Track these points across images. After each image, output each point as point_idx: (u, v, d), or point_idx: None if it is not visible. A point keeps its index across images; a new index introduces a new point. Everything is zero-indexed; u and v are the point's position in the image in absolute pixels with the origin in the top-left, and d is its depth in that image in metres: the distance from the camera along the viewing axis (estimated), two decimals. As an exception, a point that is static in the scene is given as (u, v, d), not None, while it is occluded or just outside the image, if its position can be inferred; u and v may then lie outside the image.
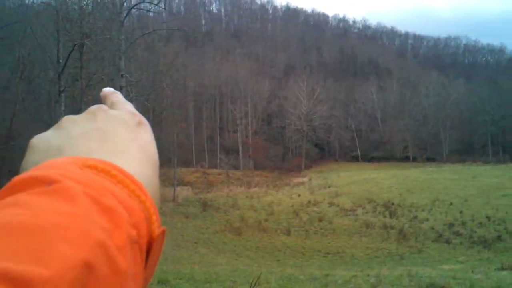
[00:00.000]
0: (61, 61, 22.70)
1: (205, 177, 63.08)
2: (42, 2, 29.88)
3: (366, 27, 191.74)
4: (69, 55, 22.59)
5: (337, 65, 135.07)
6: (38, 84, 36.79)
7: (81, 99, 24.65)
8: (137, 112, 0.59)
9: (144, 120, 0.58)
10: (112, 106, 0.59)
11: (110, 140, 0.55)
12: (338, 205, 38.23)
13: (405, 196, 40.09)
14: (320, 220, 34.18)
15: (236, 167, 71.74)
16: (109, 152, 0.53)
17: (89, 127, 0.53)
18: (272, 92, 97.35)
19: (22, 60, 31.82)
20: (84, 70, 25.08)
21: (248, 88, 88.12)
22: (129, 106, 0.59)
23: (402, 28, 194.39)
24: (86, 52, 25.25)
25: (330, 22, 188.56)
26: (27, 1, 36.30)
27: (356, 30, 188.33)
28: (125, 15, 26.25)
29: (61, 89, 22.53)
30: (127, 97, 25.92)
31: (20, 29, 29.66)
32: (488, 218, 31.44)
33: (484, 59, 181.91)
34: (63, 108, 22.68)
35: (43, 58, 29.69)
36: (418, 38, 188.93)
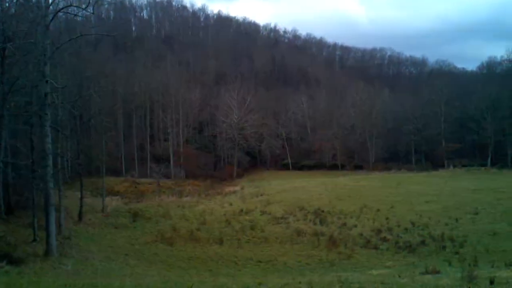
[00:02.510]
0: (-20, 65, 21.51)
1: (135, 187, 61.70)
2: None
3: (296, 37, 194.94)
4: (-10, 59, 21.45)
5: (268, 74, 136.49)
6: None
7: (3, 105, 23.45)
8: None
9: None
10: None
11: None
12: (270, 213, 38.47)
13: (334, 204, 41.02)
14: (252, 228, 34.24)
15: (167, 176, 70.51)
16: None
17: None
18: (203, 100, 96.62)
19: None
20: (6, 75, 23.89)
21: (179, 95, 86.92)
22: None
23: (330, 39, 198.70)
24: (8, 56, 24.07)
25: (261, 32, 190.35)
26: None
27: (286, 40, 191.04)
28: (51, 18, 25.18)
29: (-19, 94, 21.32)
30: (53, 103, 24.85)
31: None
32: (413, 223, 32.82)
33: (407, 70, 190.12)
34: (-18, 114, 21.46)
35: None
36: (345, 49, 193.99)
